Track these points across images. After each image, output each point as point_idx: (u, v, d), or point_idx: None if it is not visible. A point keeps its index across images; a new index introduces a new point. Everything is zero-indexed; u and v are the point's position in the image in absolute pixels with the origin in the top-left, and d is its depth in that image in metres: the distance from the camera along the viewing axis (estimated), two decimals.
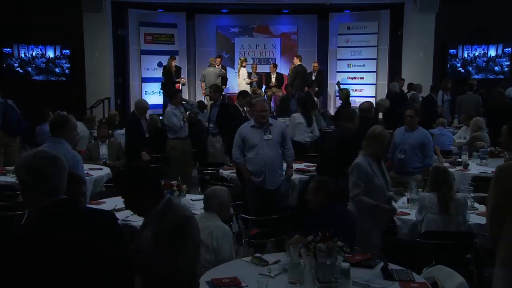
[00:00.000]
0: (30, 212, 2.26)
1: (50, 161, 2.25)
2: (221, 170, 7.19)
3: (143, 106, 8.31)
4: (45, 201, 2.20)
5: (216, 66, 13.68)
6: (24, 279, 2.09)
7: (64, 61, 13.32)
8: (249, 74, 14.14)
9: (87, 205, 4.91)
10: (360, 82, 15.10)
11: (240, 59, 14.39)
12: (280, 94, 14.25)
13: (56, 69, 13.35)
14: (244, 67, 14.11)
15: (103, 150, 7.80)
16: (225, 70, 14.10)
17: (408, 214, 5.11)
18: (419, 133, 6.50)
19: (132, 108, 14.17)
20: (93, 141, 8.49)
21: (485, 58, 14.03)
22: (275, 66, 14.38)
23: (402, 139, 6.51)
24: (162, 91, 13.66)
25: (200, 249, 3.90)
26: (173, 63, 13.45)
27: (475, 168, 7.01)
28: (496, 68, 14.02)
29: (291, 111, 10.27)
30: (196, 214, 4.75)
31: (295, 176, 6.50)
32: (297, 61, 13.76)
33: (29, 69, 13.27)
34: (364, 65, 15.17)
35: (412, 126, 6.51)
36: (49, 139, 4.67)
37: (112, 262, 2.21)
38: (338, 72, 15.36)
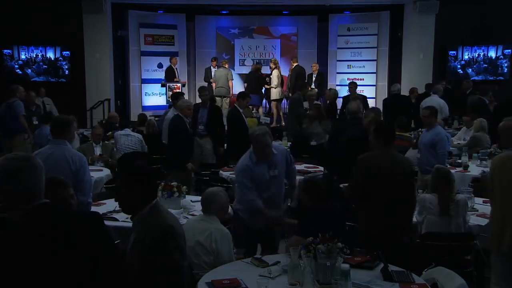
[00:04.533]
0: (10, 217, 2.25)
1: (22, 163, 2.25)
2: (221, 172, 7.19)
3: (186, 105, 7.51)
4: (24, 206, 2.19)
5: (226, 66, 13.80)
6: (9, 282, 2.09)
7: (64, 63, 13.33)
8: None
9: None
10: (360, 83, 15.04)
11: (274, 61, 14.04)
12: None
13: (56, 71, 13.36)
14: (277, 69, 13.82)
15: (97, 151, 7.79)
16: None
17: None
18: (433, 132, 6.60)
19: (133, 109, 14.34)
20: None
21: (484, 64, 14.01)
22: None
23: (421, 138, 6.75)
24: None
25: (198, 252, 3.92)
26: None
27: (475, 169, 7.00)
28: (496, 70, 14.02)
29: (301, 112, 10.22)
30: (195, 215, 4.78)
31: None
32: (294, 63, 13.79)
33: (29, 70, 13.29)
34: (364, 66, 15.18)
35: (429, 125, 6.62)
36: (51, 140, 4.61)
37: (99, 262, 2.21)
38: (338, 73, 15.37)
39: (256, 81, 13.39)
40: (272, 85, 13.56)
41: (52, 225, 2.19)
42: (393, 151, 4.46)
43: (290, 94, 13.46)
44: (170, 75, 14.10)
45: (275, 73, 13.57)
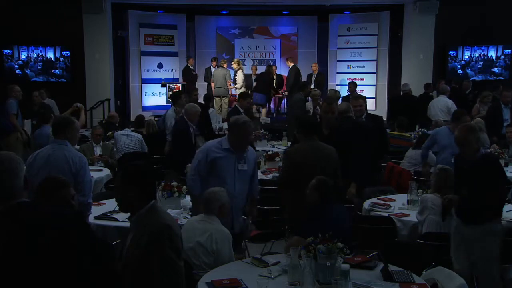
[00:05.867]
0: None
1: None
2: None
3: (195, 110, 7.17)
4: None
5: (225, 66, 13.83)
6: None
7: (64, 63, 13.33)
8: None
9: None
10: (360, 83, 15.05)
11: (237, 61, 14.16)
12: (281, 95, 14.33)
13: (56, 71, 13.36)
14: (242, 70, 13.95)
15: (97, 151, 7.80)
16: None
17: (409, 215, 5.11)
18: None
19: (133, 109, 14.33)
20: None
21: (484, 64, 14.01)
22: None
23: (449, 141, 6.25)
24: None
25: (199, 253, 3.92)
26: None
27: None
28: (496, 70, 14.03)
29: (300, 112, 10.22)
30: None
31: None
32: (291, 63, 13.82)
33: (29, 70, 13.28)
34: (364, 66, 15.17)
35: None
36: (52, 140, 4.60)
37: (78, 262, 2.21)
38: (338, 73, 15.37)
39: (264, 81, 13.48)
40: (236, 86, 13.58)
41: (26, 225, 2.18)
42: (315, 142, 4.88)
43: (286, 94, 13.59)
44: (188, 74, 14.16)
45: (239, 73, 13.59)
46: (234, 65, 13.94)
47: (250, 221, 5.10)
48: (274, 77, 14.27)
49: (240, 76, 13.76)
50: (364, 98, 7.34)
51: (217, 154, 4.57)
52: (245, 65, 15.61)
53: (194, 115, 7.11)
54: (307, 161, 4.75)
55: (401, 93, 11.92)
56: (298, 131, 5.07)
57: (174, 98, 8.84)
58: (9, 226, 2.17)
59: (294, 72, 13.53)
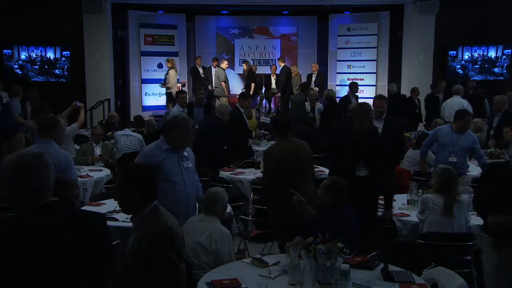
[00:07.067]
0: (18, 213, 2.26)
1: (34, 160, 2.28)
2: (220, 171, 7.19)
3: (225, 109, 7.82)
4: (33, 203, 2.20)
5: (223, 66, 13.84)
6: (13, 277, 2.10)
7: (64, 63, 13.33)
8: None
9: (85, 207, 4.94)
10: (360, 83, 15.05)
11: (170, 60, 13.88)
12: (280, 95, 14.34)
13: (56, 71, 13.36)
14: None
15: (97, 151, 7.81)
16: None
17: (409, 215, 5.11)
18: (471, 138, 6.42)
19: (133, 109, 14.33)
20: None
21: (484, 64, 14.01)
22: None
23: (450, 140, 6.41)
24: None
25: (199, 253, 3.92)
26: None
27: (475, 169, 6.98)
28: (496, 70, 14.04)
29: (297, 113, 10.22)
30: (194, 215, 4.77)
31: None
32: (282, 63, 13.80)
33: (29, 70, 13.28)
34: (364, 66, 15.19)
35: (466, 130, 6.46)
36: (38, 140, 4.70)
37: (101, 262, 2.24)
38: (338, 73, 15.38)
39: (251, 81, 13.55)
40: (168, 85, 13.44)
41: (60, 224, 2.21)
42: (292, 139, 5.05)
43: (279, 94, 13.63)
44: (196, 74, 14.17)
45: (171, 72, 13.49)
46: (168, 64, 13.74)
47: None
48: (274, 78, 14.26)
49: (171, 76, 13.49)
50: (386, 99, 7.34)
51: (159, 157, 4.30)
52: None
53: (225, 113, 7.64)
54: (289, 160, 4.89)
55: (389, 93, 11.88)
56: (274, 130, 5.25)
57: (177, 94, 8.95)
58: (39, 225, 2.18)
59: (285, 72, 13.51)
